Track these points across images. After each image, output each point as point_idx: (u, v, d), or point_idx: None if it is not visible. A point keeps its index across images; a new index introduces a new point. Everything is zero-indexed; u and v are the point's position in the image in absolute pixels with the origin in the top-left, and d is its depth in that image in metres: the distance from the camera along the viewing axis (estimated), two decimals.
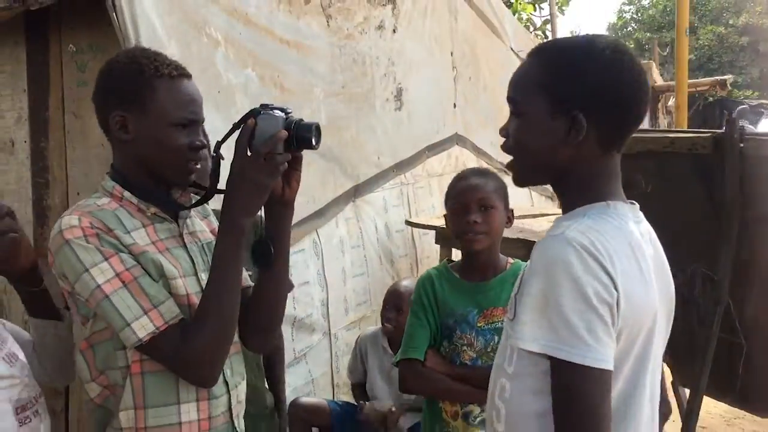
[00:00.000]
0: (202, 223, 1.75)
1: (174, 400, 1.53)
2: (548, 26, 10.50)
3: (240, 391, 1.71)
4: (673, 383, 4.04)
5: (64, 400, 3.05)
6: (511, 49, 7.45)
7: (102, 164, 2.80)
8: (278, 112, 1.52)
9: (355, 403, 3.42)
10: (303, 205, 3.65)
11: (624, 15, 34.57)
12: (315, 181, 3.77)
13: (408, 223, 4.62)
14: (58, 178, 3.06)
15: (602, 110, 1.28)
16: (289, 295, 3.40)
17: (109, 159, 1.68)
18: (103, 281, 1.45)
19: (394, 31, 4.70)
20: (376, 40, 4.44)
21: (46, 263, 1.55)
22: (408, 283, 3.29)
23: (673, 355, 3.81)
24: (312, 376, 3.67)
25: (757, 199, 3.04)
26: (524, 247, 4.11)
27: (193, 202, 1.72)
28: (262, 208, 1.55)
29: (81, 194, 2.90)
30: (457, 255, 2.95)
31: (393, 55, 4.68)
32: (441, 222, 3.42)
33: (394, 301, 3.23)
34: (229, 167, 1.51)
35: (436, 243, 4.40)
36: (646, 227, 1.40)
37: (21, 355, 1.60)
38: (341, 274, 4.01)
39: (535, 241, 4.00)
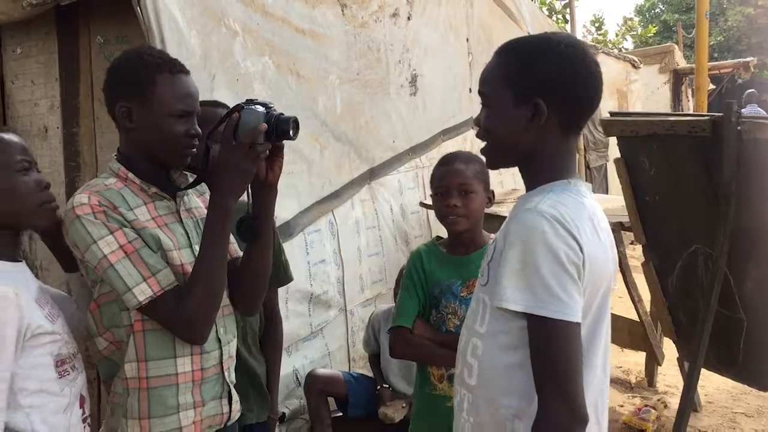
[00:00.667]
0: (198, 200, 1.98)
1: (171, 354, 1.77)
2: (568, 10, 10.52)
3: (231, 348, 1.94)
4: (678, 359, 4.17)
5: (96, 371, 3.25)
6: (529, 34, 7.53)
7: None
8: (260, 107, 1.72)
9: (369, 375, 3.60)
10: (319, 187, 3.83)
11: None
12: (331, 164, 3.93)
13: (422, 204, 4.76)
14: (88, 161, 3.26)
15: (560, 97, 1.46)
16: (306, 272, 3.61)
17: None
18: (108, 252, 1.67)
19: (408, 18, 4.83)
20: (390, 27, 4.57)
21: None
22: None
23: (678, 331, 3.95)
24: (328, 349, 3.85)
25: (753, 179, 3.15)
26: None
27: (188, 183, 1.92)
28: (249, 189, 1.77)
29: None
30: None
31: (408, 42, 4.80)
32: None
33: None
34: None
35: None
36: (597, 203, 1.58)
37: (61, 315, 1.79)
38: (357, 253, 4.17)
39: None
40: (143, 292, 1.68)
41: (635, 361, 5.14)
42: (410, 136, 4.85)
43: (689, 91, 13.70)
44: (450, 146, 5.35)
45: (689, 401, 3.45)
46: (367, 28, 4.28)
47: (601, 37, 17.88)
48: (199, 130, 1.81)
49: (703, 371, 3.57)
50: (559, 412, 1.34)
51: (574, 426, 1.34)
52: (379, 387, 3.41)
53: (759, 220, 3.24)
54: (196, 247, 1.82)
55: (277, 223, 3.42)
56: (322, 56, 3.85)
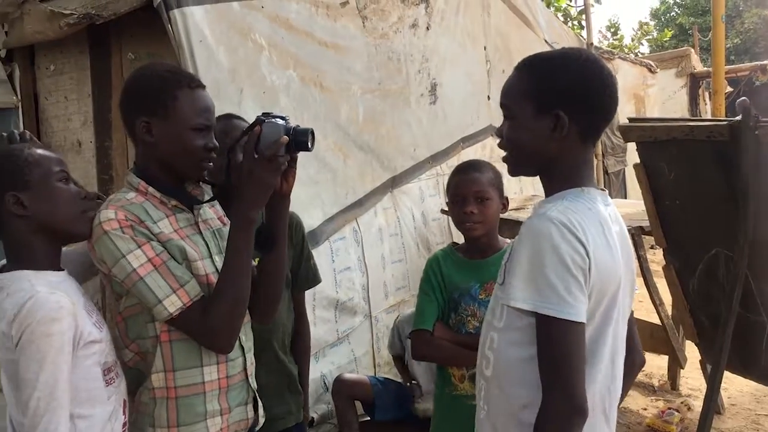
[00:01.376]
0: (210, 211, 2.00)
1: (198, 363, 1.80)
2: (583, 16, 10.56)
3: (252, 355, 1.97)
4: (701, 362, 4.20)
5: None
6: (545, 41, 7.58)
7: None
8: (280, 120, 1.76)
9: (395, 380, 3.67)
10: (343, 196, 3.91)
11: (667, 0, 34.05)
12: (354, 173, 4.02)
13: (444, 212, 4.83)
14: (120, 174, 3.36)
15: (579, 108, 1.55)
16: (332, 279, 3.69)
17: None
18: (137, 265, 1.69)
19: (427, 28, 4.91)
20: (410, 38, 4.66)
21: None
22: None
23: (700, 334, 3.98)
24: (354, 355, 3.92)
25: None
26: None
27: (206, 196, 1.97)
28: None
29: None
30: None
31: (427, 51, 4.89)
32: None
33: None
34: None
35: None
36: (613, 209, 1.66)
37: (105, 323, 1.83)
38: (381, 260, 4.25)
39: None
40: (173, 304, 1.71)
41: (658, 364, 5.16)
42: (431, 144, 4.92)
43: (706, 95, 13.67)
44: (470, 153, 5.41)
45: (712, 404, 3.48)
46: (387, 40, 4.37)
47: (616, 42, 17.90)
48: (216, 143, 1.86)
49: (726, 374, 3.60)
50: (558, 403, 1.43)
51: (572, 417, 1.43)
52: (410, 383, 3.47)
53: None
54: (216, 258, 1.87)
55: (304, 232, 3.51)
56: (345, 68, 3.94)
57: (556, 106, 1.53)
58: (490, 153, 5.71)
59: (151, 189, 1.83)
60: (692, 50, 13.62)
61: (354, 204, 4.01)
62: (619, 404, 1.74)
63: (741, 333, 3.44)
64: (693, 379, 4.90)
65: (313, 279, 2.68)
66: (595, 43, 10.37)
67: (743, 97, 3.34)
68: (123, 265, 1.70)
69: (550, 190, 1.62)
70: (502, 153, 1.70)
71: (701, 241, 3.73)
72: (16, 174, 1.72)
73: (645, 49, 23.40)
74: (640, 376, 5.07)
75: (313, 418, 3.57)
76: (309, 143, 1.76)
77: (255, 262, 1.96)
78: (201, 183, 1.99)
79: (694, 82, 13.22)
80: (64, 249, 1.89)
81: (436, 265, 2.55)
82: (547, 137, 1.55)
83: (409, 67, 4.65)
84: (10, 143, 1.85)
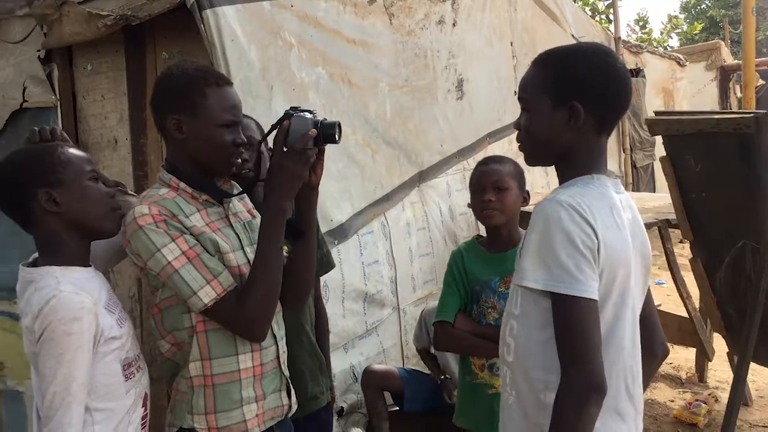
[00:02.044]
0: (240, 204, 2.06)
1: (233, 351, 1.86)
2: (611, 10, 10.50)
3: (284, 343, 2.04)
4: (728, 354, 4.21)
5: None
6: (572, 35, 7.58)
7: None
8: (307, 114, 1.82)
9: (423, 371, 3.73)
10: (371, 190, 3.98)
11: None
12: (382, 168, 4.08)
13: (470, 206, 4.86)
14: (154, 170, 3.44)
15: (593, 99, 1.61)
16: (360, 272, 3.76)
17: None
18: (172, 258, 1.75)
19: (453, 25, 4.95)
20: (436, 34, 4.71)
21: None
22: None
23: (727, 326, 3.99)
24: (383, 346, 3.99)
25: None
26: None
27: (235, 189, 2.02)
28: None
29: None
30: None
31: (453, 47, 4.93)
32: None
33: None
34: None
35: None
36: (626, 197, 1.72)
37: (128, 318, 1.91)
38: (408, 253, 4.31)
39: None
40: (208, 295, 1.76)
41: (685, 357, 5.17)
42: (457, 139, 4.97)
43: (737, 88, 13.53)
44: (496, 149, 5.45)
45: (739, 395, 3.50)
46: (414, 36, 4.42)
47: (645, 36, 17.73)
48: (245, 138, 1.91)
49: (754, 365, 3.61)
50: (575, 380, 1.47)
51: (590, 393, 1.46)
52: (441, 378, 3.53)
53: None
54: (247, 249, 1.92)
55: (333, 226, 3.59)
56: (372, 65, 4.00)
57: (572, 98, 1.59)
58: (517, 148, 5.74)
59: (182, 184, 1.89)
60: (722, 43, 13.49)
61: (382, 198, 4.07)
62: (644, 393, 1.79)
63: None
64: (721, 371, 4.90)
65: (327, 264, 2.74)
66: (623, 37, 10.33)
67: None
68: (158, 259, 1.76)
69: (564, 178, 1.68)
70: (523, 145, 1.76)
71: (728, 234, 3.75)
72: (49, 171, 1.79)
73: (675, 42, 23.11)
74: (668, 369, 5.09)
75: (342, 407, 3.64)
76: (336, 136, 1.82)
77: (285, 252, 2.01)
78: (230, 178, 2.04)
79: (725, 75, 13.11)
80: None
81: (459, 258, 2.63)
82: (563, 128, 1.62)
83: (436, 63, 4.70)
84: (41, 140, 1.92)
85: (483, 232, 2.77)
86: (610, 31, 8.98)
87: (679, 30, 22.81)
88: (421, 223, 4.47)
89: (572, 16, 7.65)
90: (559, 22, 7.16)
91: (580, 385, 1.46)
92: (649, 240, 1.77)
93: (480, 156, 5.20)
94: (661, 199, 4.87)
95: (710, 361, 4.75)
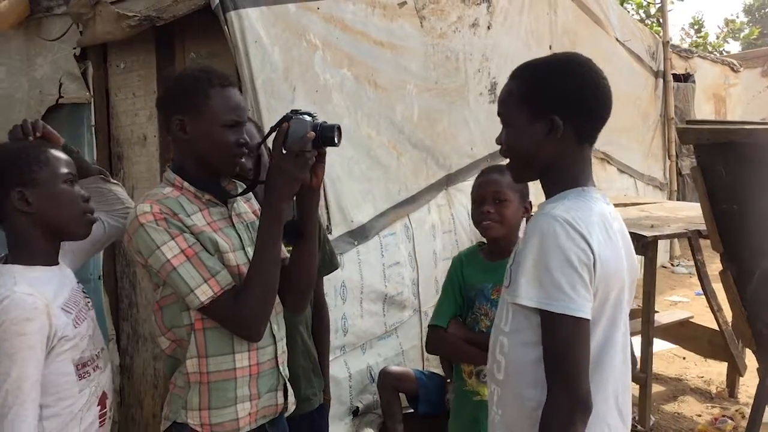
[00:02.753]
0: (245, 205, 2.08)
1: (230, 350, 1.87)
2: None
3: (284, 343, 2.04)
4: (758, 369, 4.10)
5: None
6: (617, 39, 7.47)
7: None
8: (307, 117, 1.83)
9: (440, 374, 3.72)
10: (395, 192, 3.99)
11: None
12: (407, 170, 4.09)
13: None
14: None
15: (572, 111, 1.58)
16: (380, 273, 3.78)
17: None
18: (171, 256, 1.78)
19: (488, 28, 4.93)
20: (470, 37, 4.69)
21: None
22: None
23: (758, 341, 3.89)
24: (402, 348, 4.00)
25: None
26: None
27: (240, 190, 2.04)
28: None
29: None
30: None
31: (487, 51, 4.91)
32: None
33: None
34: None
35: None
36: (613, 209, 1.69)
37: (88, 318, 1.93)
38: (432, 256, 4.31)
39: None
40: (204, 293, 1.78)
41: (718, 371, 5.06)
42: (489, 143, 4.92)
43: None
44: None
45: (759, 414, 3.42)
46: (445, 39, 4.42)
47: (700, 40, 17.28)
48: (248, 138, 1.93)
49: None
50: (561, 399, 1.46)
51: (575, 412, 1.45)
52: (448, 381, 3.53)
53: None
54: (248, 250, 1.93)
55: (353, 227, 3.62)
56: (401, 67, 4.01)
57: (550, 111, 1.57)
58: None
59: (186, 184, 1.92)
60: None
61: (407, 200, 4.08)
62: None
63: None
64: (752, 387, 4.75)
65: (330, 264, 2.76)
66: (677, 41, 10.12)
67: None
68: (158, 256, 1.78)
69: (550, 191, 1.66)
70: (508, 162, 1.74)
71: (759, 247, 3.65)
72: (25, 171, 1.83)
73: (736, 47, 22.54)
74: (698, 382, 4.99)
75: (357, 407, 3.67)
76: (335, 138, 1.82)
77: (287, 253, 2.04)
78: (234, 178, 2.07)
79: None
80: None
81: (459, 265, 2.65)
82: (543, 141, 1.59)
83: (468, 66, 4.69)
84: (23, 134, 1.94)
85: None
86: (659, 35, 8.79)
87: (738, 34, 22.21)
88: (447, 226, 4.47)
89: (617, 19, 7.52)
90: (602, 25, 7.06)
91: (567, 404, 1.46)
92: (635, 254, 1.75)
93: None
94: (694, 209, 4.77)
95: (742, 376, 4.63)
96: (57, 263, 1.92)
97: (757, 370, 4.12)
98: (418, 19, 4.16)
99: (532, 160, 1.64)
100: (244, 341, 1.89)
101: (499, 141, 1.71)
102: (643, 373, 4.22)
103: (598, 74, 1.61)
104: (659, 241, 7.92)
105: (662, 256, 8.91)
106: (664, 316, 5.23)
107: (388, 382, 3.57)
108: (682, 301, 7.02)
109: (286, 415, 2.09)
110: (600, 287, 1.51)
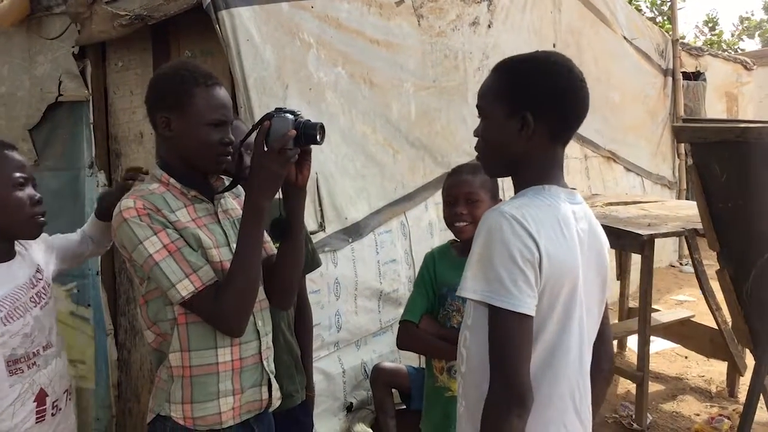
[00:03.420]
0: (234, 202, 2.10)
1: (212, 345, 1.90)
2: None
3: (269, 339, 2.06)
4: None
5: None
6: (624, 37, 7.43)
7: None
8: (289, 115, 1.85)
9: None
10: (391, 190, 4.01)
11: None
12: (403, 168, 4.11)
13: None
14: None
15: (546, 109, 1.58)
16: (375, 270, 3.79)
17: None
18: (153, 251, 1.80)
19: (489, 26, 4.94)
20: (469, 35, 4.70)
21: None
22: None
23: (754, 341, 3.88)
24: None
25: None
26: (606, 233, 4.26)
27: (225, 187, 2.06)
28: (281, 191, 1.90)
29: None
30: None
31: (488, 49, 4.91)
32: None
33: None
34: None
35: None
36: (582, 208, 1.67)
37: (27, 315, 2.02)
38: None
39: (617, 228, 4.18)
40: (186, 288, 1.80)
41: (720, 370, 5.03)
42: None
43: None
44: None
45: (753, 406, 3.41)
46: (444, 37, 4.43)
47: (714, 38, 17.11)
48: (233, 138, 1.96)
49: None
50: (498, 391, 1.46)
51: (511, 406, 1.45)
52: None
53: None
54: (233, 246, 1.93)
55: (347, 224, 3.64)
56: (397, 65, 4.03)
57: (523, 107, 1.57)
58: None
59: (172, 180, 1.94)
60: None
61: (403, 198, 4.10)
62: (596, 411, 1.76)
63: None
64: None
65: (312, 262, 2.78)
66: (690, 39, 10.04)
67: None
68: (140, 251, 1.81)
69: (517, 189, 1.66)
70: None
71: (755, 246, 3.64)
72: None
73: (755, 44, 22.32)
74: (699, 382, 4.97)
75: (351, 403, 3.70)
76: (318, 136, 1.83)
77: (275, 250, 2.06)
78: (222, 175, 2.09)
79: None
80: (60, 236, 2.25)
81: (430, 262, 2.66)
82: (515, 137, 1.59)
83: (468, 64, 4.69)
84: None
85: None
86: (667, 34, 8.74)
87: (757, 31, 21.99)
88: (444, 224, 4.47)
89: (624, 17, 7.49)
90: (608, 23, 7.03)
91: (502, 397, 1.46)
92: (608, 253, 1.75)
93: None
94: (695, 208, 4.74)
95: (742, 375, 4.61)
96: (8, 260, 2.02)
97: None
98: (416, 18, 4.17)
99: (502, 156, 1.64)
100: (227, 336, 1.91)
101: (476, 133, 1.70)
102: (639, 371, 4.22)
103: (576, 75, 1.61)
104: (667, 240, 7.87)
105: (671, 255, 8.86)
106: (664, 314, 5.22)
107: (380, 378, 3.59)
108: (689, 301, 6.98)
109: (270, 410, 2.10)
110: (548, 285, 1.51)
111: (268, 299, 2.05)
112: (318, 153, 3.32)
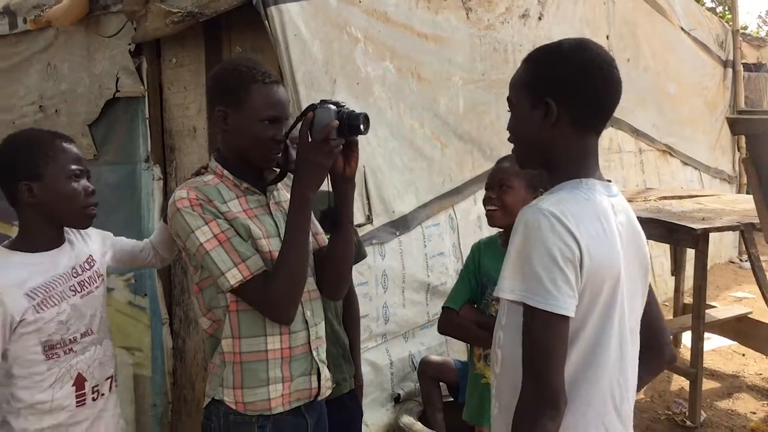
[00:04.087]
0: (288, 194, 2.10)
1: (262, 332, 1.94)
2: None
3: (319, 329, 2.09)
4: None
5: None
6: (682, 28, 7.27)
7: None
8: (332, 106, 1.87)
9: None
10: (439, 183, 4.03)
11: None
12: (451, 162, 4.11)
13: None
14: None
15: (570, 97, 1.54)
16: (423, 263, 3.82)
17: None
18: (204, 240, 1.86)
19: (539, 18, 4.90)
20: (519, 28, 4.67)
21: None
22: None
23: None
24: (446, 337, 4.03)
25: None
26: (660, 227, 4.20)
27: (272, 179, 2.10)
28: (330, 183, 1.94)
29: None
30: None
31: (538, 41, 4.86)
32: None
33: None
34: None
35: None
36: (619, 200, 1.63)
37: (63, 304, 2.08)
38: None
39: (670, 222, 4.12)
40: (234, 276, 1.84)
41: None
42: None
43: None
44: None
45: None
46: (493, 30, 4.41)
47: None
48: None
49: None
50: (531, 394, 1.43)
51: (544, 409, 1.42)
52: None
53: None
54: None
55: (395, 217, 3.67)
56: (445, 59, 4.04)
57: (546, 94, 1.54)
58: (610, 144, 5.60)
59: (225, 172, 2.00)
60: None
61: (451, 192, 4.11)
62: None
63: None
64: None
65: (358, 255, 2.81)
66: (753, 29, 9.76)
67: None
68: (193, 240, 1.87)
69: (551, 183, 1.62)
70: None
71: None
72: (31, 166, 2.01)
73: None
74: (756, 380, 4.85)
75: (399, 394, 3.73)
76: (361, 126, 1.84)
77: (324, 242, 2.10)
78: (276, 168, 2.11)
79: None
80: (125, 238, 2.35)
81: (476, 251, 2.68)
82: (540, 127, 1.56)
83: (518, 57, 4.66)
84: None
85: None
86: (728, 24, 8.51)
87: None
88: None
89: (682, 7, 7.32)
90: (665, 13, 6.89)
91: (534, 400, 1.43)
92: (647, 244, 1.71)
93: None
94: (751, 202, 4.62)
95: None
96: (56, 247, 2.10)
97: None
98: (464, 11, 4.17)
99: (531, 147, 1.62)
100: (276, 325, 1.95)
101: (508, 127, 1.70)
102: (693, 368, 4.14)
103: (604, 61, 1.56)
104: (726, 235, 7.68)
105: (731, 251, 8.64)
106: (720, 311, 5.11)
107: (428, 371, 3.61)
108: (748, 297, 6.80)
109: (320, 398, 2.12)
110: (588, 284, 1.47)
111: (318, 290, 2.09)
112: (365, 146, 3.36)
